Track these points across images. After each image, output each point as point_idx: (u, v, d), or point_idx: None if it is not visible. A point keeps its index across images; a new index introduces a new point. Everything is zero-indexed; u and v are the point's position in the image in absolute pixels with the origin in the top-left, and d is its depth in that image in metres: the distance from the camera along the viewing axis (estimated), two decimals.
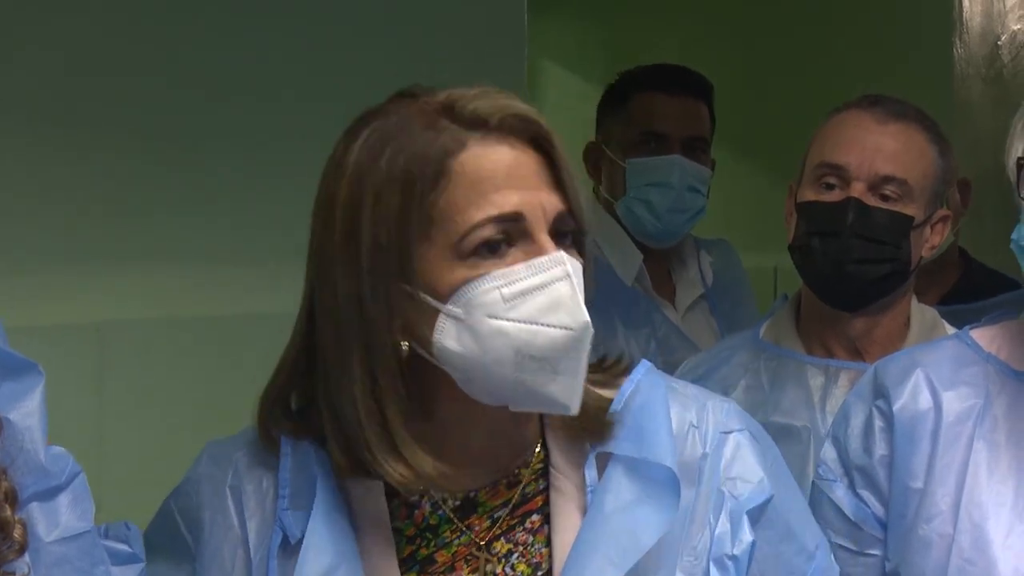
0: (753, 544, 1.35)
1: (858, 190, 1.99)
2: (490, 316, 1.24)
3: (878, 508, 1.64)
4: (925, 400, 1.61)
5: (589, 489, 1.33)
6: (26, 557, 1.18)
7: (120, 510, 1.44)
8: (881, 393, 1.65)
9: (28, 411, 1.23)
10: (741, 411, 1.42)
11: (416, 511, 1.36)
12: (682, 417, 1.37)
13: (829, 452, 1.69)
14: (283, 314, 1.38)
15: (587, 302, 1.27)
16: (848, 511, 1.65)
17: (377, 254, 1.26)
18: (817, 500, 1.67)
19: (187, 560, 1.39)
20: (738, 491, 1.36)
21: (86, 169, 1.88)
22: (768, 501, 1.36)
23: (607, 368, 1.41)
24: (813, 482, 1.71)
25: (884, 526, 1.63)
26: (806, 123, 2.13)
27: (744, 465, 1.37)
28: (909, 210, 2.00)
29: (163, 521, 1.42)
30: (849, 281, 2.01)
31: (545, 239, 1.27)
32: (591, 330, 1.26)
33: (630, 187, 2.72)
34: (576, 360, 1.26)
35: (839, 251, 1.99)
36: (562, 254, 1.26)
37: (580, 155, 2.85)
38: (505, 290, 1.24)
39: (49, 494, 1.23)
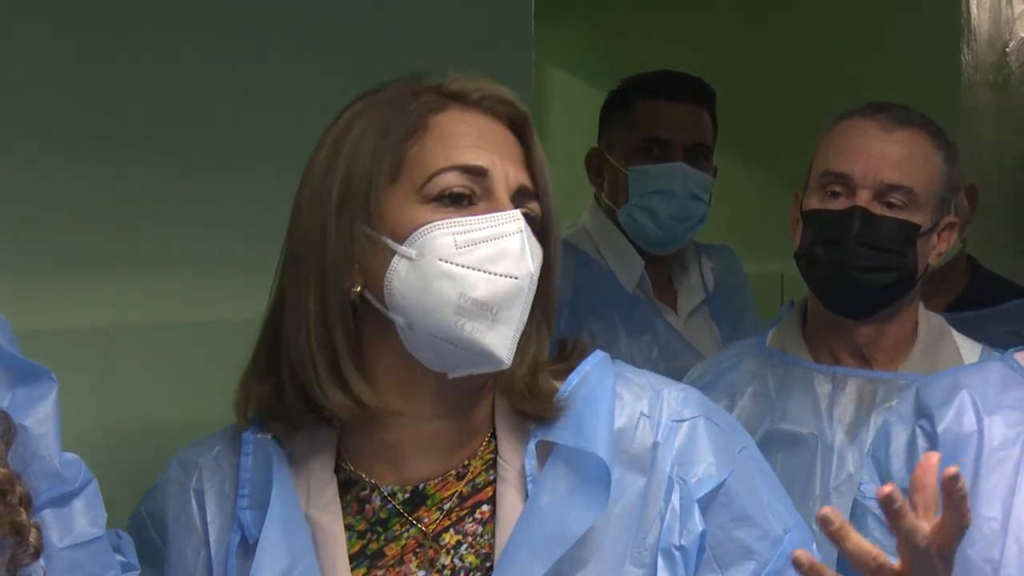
0: (703, 534, 1.34)
1: (864, 198, 1.99)
2: (441, 259, 1.28)
3: None
4: (969, 422, 1.60)
5: (529, 479, 1.34)
6: (41, 561, 1.18)
7: (127, 514, 1.45)
8: (924, 413, 1.63)
9: (42, 418, 1.23)
10: (701, 399, 1.42)
11: (367, 506, 1.37)
12: (633, 407, 1.38)
13: (870, 471, 1.67)
14: None
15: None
16: None
17: (346, 191, 1.31)
18: (860, 517, 1.65)
19: (156, 562, 1.41)
20: (688, 477, 1.35)
21: (91, 172, 1.87)
22: (719, 487, 1.35)
23: (567, 356, 1.42)
24: (855, 500, 1.69)
25: None
26: (811, 128, 2.13)
27: (695, 452, 1.36)
28: (915, 218, 2.00)
29: (133, 524, 1.44)
30: (855, 289, 2.00)
31: (505, 199, 1.32)
32: (535, 281, 1.30)
33: (632, 194, 2.71)
34: (516, 310, 1.29)
35: (844, 259, 1.99)
36: (518, 212, 1.31)
37: (583, 161, 2.85)
38: (459, 237, 1.29)
39: (63, 500, 1.23)
